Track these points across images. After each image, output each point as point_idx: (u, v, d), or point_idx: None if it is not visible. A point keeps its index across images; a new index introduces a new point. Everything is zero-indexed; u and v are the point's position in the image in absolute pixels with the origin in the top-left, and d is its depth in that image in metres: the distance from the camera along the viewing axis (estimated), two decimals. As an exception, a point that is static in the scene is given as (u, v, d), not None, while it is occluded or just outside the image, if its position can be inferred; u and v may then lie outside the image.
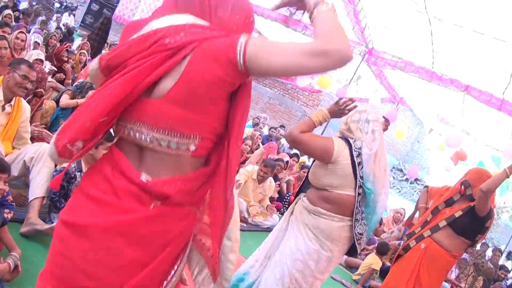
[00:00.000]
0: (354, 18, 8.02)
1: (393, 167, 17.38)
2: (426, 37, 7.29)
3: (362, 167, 2.46)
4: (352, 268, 5.92)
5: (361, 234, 2.53)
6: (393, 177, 16.92)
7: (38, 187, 3.02)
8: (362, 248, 2.64)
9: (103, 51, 8.92)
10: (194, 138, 1.26)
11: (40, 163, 3.11)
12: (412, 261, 3.54)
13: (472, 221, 3.42)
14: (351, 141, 2.51)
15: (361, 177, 2.46)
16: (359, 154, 2.46)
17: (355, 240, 2.52)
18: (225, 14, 1.29)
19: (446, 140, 8.94)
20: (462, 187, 3.54)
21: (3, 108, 3.25)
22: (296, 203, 2.70)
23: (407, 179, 16.77)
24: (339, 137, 2.60)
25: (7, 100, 3.30)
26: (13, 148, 3.36)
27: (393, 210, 7.90)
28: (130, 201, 1.25)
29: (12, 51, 4.68)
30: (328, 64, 1.14)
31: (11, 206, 2.59)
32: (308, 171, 2.69)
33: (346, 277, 5.52)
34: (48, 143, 3.00)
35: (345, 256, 5.95)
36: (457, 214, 3.45)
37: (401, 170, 17.52)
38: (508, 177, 3.27)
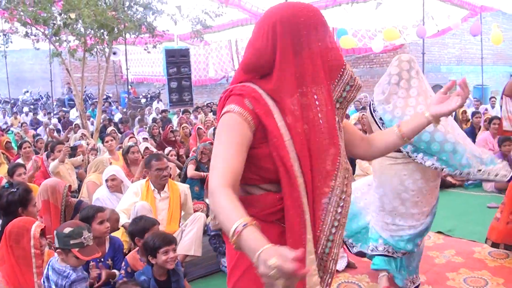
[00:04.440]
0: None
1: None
2: None
3: None
4: (503, 190, 5.75)
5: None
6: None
7: (185, 245, 3.69)
8: None
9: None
10: None
11: (192, 226, 3.78)
12: None
13: None
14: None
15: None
16: None
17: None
18: None
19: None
20: None
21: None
22: None
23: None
24: None
25: (160, 189, 3.93)
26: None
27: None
28: None
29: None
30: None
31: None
32: None
33: (500, 200, 5.39)
34: None
35: (493, 183, 5.81)
36: None
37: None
38: None
